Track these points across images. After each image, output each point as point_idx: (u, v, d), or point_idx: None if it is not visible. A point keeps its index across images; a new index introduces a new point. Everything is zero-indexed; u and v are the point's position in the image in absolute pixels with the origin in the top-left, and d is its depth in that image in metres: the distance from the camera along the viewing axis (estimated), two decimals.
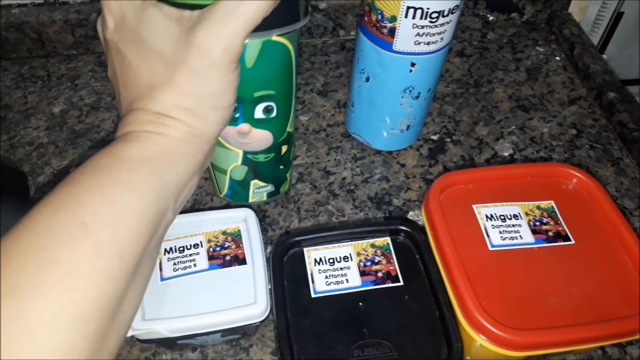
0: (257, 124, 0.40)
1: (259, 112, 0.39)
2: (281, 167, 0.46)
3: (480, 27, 0.71)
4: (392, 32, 0.44)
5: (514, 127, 0.59)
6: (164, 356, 0.41)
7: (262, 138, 0.41)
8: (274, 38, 0.35)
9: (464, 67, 0.66)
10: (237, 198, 0.48)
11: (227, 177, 0.45)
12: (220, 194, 0.48)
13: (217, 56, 0.29)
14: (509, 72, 0.66)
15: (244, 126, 0.39)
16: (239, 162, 0.43)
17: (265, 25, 0.31)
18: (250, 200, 0.48)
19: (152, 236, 0.29)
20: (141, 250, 0.28)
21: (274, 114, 0.40)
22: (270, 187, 0.48)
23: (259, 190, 0.47)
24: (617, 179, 0.54)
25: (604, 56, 0.79)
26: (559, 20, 0.69)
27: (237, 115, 0.39)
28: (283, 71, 0.38)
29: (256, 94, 0.38)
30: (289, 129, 0.43)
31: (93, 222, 0.26)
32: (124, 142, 0.30)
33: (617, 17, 0.74)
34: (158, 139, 0.30)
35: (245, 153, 0.43)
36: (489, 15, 0.70)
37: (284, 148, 0.44)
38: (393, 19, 0.43)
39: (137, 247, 0.28)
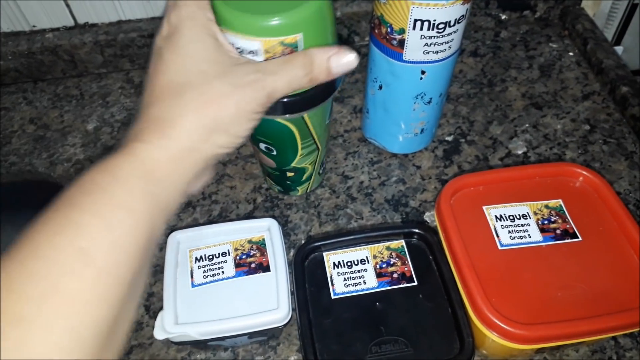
0: (262, 152, 0.48)
1: (262, 147, 0.48)
2: (288, 182, 0.53)
3: (493, 27, 0.72)
4: (401, 43, 0.47)
5: (527, 125, 0.61)
6: (198, 356, 0.45)
7: (268, 162, 0.50)
8: (279, 119, 0.42)
9: (477, 67, 0.67)
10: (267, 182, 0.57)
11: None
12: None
13: (252, 95, 0.32)
14: (522, 70, 0.67)
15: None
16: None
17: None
18: (268, 185, 0.57)
19: (144, 258, 0.29)
20: (135, 272, 0.28)
21: (274, 153, 0.48)
22: (278, 188, 0.55)
23: (272, 185, 0.56)
24: (630, 173, 0.55)
25: (621, 47, 0.80)
26: (572, 16, 0.70)
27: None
28: (284, 139, 0.45)
29: (258, 137, 0.46)
30: (295, 165, 0.50)
31: (92, 248, 0.26)
32: (123, 156, 0.30)
33: (632, 8, 0.75)
34: (155, 153, 0.30)
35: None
36: (501, 14, 0.71)
37: (290, 174, 0.51)
38: (402, 31, 0.46)
39: (131, 270, 0.28)
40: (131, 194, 0.29)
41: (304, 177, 0.52)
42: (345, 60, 0.35)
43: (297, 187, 0.54)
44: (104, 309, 0.26)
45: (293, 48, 0.36)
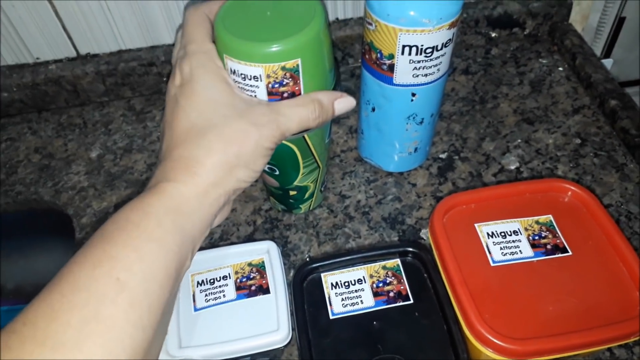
0: (265, 173, 0.50)
1: (265, 168, 0.47)
2: (291, 201, 0.54)
3: (483, 44, 0.74)
4: (391, 67, 0.48)
5: (519, 140, 0.62)
6: None
7: (271, 182, 0.52)
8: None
9: (469, 85, 0.69)
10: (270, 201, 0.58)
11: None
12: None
13: (268, 133, 0.35)
14: (513, 86, 0.68)
15: None
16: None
17: None
18: (272, 205, 0.58)
19: (174, 286, 0.32)
20: (166, 300, 0.31)
21: (277, 173, 0.49)
22: (282, 207, 0.57)
23: (275, 204, 0.57)
24: (622, 185, 0.57)
25: (611, 60, 0.81)
26: (560, 32, 0.72)
27: None
28: (285, 159, 0.47)
29: None
30: (297, 183, 0.51)
31: (127, 278, 0.29)
32: (152, 195, 0.33)
33: (620, 21, 0.76)
34: (183, 189, 0.33)
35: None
36: (491, 32, 0.73)
37: (293, 192, 0.52)
38: (391, 56, 0.47)
39: (162, 297, 0.31)
40: (161, 227, 0.31)
41: (307, 195, 0.54)
42: (348, 104, 0.41)
43: (300, 205, 0.56)
44: (138, 334, 0.29)
45: (293, 72, 0.38)
